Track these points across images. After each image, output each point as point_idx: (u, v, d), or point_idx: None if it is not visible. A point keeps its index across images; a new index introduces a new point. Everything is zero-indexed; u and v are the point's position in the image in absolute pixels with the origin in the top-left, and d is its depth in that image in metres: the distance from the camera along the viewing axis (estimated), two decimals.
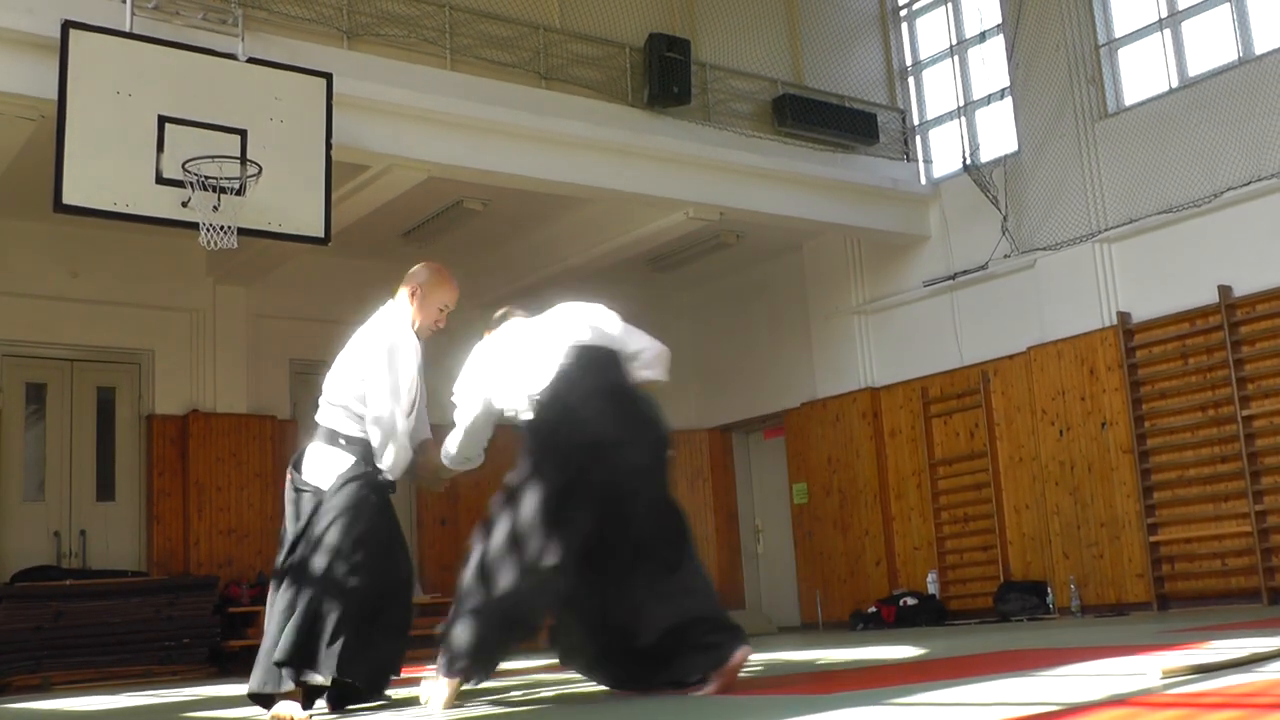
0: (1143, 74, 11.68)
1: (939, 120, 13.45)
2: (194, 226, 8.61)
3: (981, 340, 12.55)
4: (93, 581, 11.05)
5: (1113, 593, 11.27)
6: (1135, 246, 11.39)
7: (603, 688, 5.17)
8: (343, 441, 5.33)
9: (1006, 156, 12.40)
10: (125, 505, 12.25)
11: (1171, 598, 10.96)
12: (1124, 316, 11.39)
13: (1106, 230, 11.48)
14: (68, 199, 8.21)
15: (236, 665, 11.44)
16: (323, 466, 5.31)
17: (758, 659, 7.03)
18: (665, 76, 11.19)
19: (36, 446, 12.03)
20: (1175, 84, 11.36)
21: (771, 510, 15.02)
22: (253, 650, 11.58)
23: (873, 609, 12.60)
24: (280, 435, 12.86)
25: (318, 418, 5.50)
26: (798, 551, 14.21)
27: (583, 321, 5.22)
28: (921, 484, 13.01)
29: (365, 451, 5.28)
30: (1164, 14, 11.47)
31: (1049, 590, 11.70)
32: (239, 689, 7.83)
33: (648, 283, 14.96)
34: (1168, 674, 3.90)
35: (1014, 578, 12.11)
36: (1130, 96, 11.73)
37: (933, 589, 12.61)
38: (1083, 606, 11.37)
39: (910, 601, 12.40)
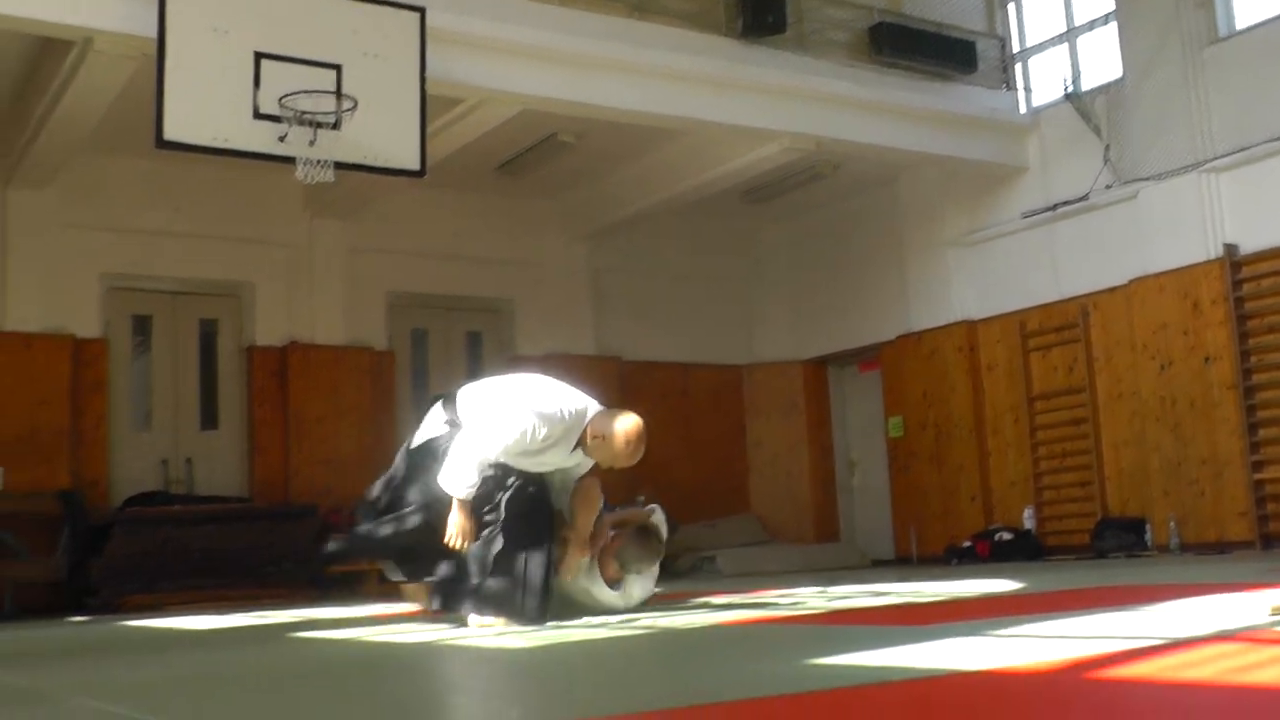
0: None
1: (1039, 47, 13.15)
2: (291, 161, 8.73)
3: (1081, 273, 12.34)
4: (199, 508, 11.33)
5: (1214, 531, 11.10)
6: (1243, 176, 11.09)
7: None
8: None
9: (1109, 84, 12.11)
10: (228, 434, 12.50)
11: (1275, 536, 10.75)
12: (1230, 249, 11.12)
13: (1213, 160, 11.19)
14: (169, 135, 8.35)
15: (337, 589, 11.69)
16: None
17: (854, 589, 7.03)
18: (760, 5, 11.05)
19: (143, 377, 12.31)
20: None
21: (866, 444, 14.96)
22: (352, 576, 11.81)
23: (967, 544, 12.53)
24: (377, 367, 13.04)
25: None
26: (893, 485, 14.15)
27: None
28: (1019, 419, 12.87)
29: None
30: None
31: (1147, 528, 11.55)
32: (339, 611, 8.01)
33: (741, 215, 14.90)
34: (1276, 611, 3.85)
35: (1111, 514, 11.97)
36: (1241, 20, 11.37)
37: (1029, 524, 12.51)
38: (1182, 545, 11.21)
39: (1005, 537, 12.31)
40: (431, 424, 5.96)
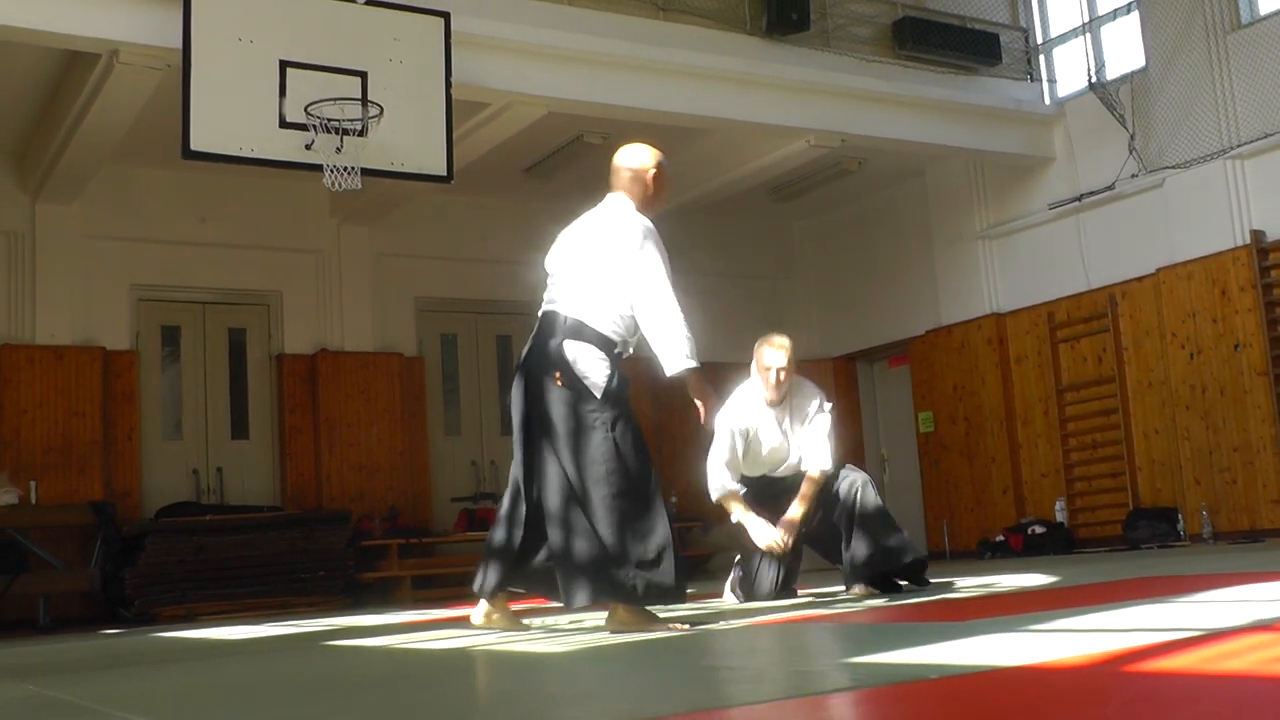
0: None
1: (1063, 38, 13.11)
2: (318, 169, 8.77)
3: (1109, 263, 12.29)
4: (231, 516, 11.39)
5: (1247, 519, 11.04)
6: (1269, 162, 11.03)
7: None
8: (596, 339, 5.07)
9: (1133, 73, 12.07)
10: (259, 442, 12.57)
11: None
12: (1258, 235, 11.07)
13: (1239, 146, 11.14)
14: (195, 145, 8.40)
15: (370, 596, 11.74)
16: (589, 363, 5.04)
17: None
18: (783, 3, 11.06)
19: (173, 387, 12.39)
20: None
21: (897, 439, 14.94)
22: (386, 581, 11.87)
23: (1000, 537, 12.51)
24: (407, 372, 13.09)
25: (559, 309, 5.17)
26: (924, 480, 14.13)
27: None
28: (1049, 410, 12.83)
29: (616, 350, 5.12)
30: None
31: (1180, 517, 11.51)
32: (373, 619, 8.04)
33: (768, 213, 14.89)
34: None
35: (1143, 505, 11.93)
36: (1265, 6, 11.31)
37: (1061, 517, 12.47)
38: (1215, 533, 11.16)
39: (1038, 529, 12.28)
40: None
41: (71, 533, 11.05)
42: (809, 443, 6.77)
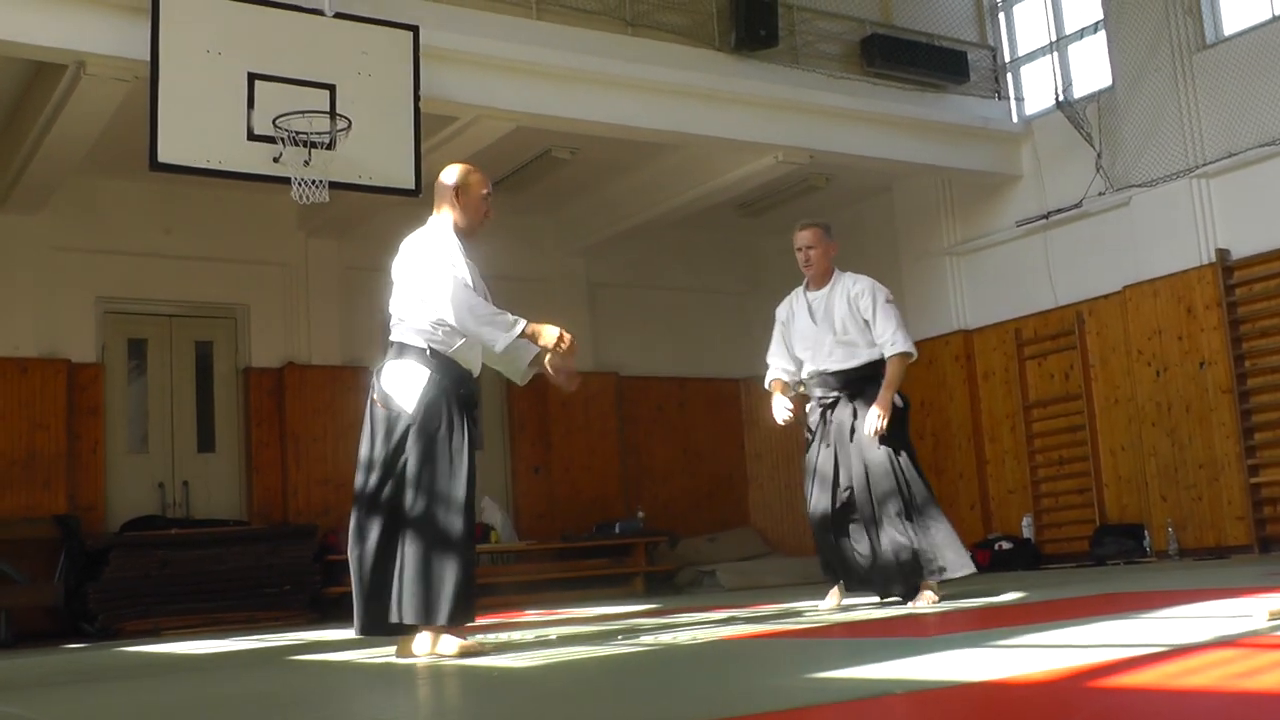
0: (1242, 2, 11.36)
1: (1030, 56, 13.18)
2: (286, 182, 8.72)
3: (1076, 280, 12.35)
4: (197, 531, 11.31)
5: (1212, 535, 11.10)
6: (1234, 181, 11.12)
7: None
8: (414, 354, 5.27)
9: (1100, 92, 12.14)
10: (225, 456, 12.49)
11: (1273, 540, 10.76)
12: (1222, 253, 11.15)
13: (1204, 165, 11.22)
14: (163, 158, 8.34)
15: (337, 611, 11.66)
16: (402, 382, 5.22)
17: (855, 602, 7.04)
18: (752, 19, 11.08)
19: (139, 400, 12.30)
20: (1278, 12, 11.03)
21: None
22: (352, 596, 11.79)
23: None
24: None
25: (392, 337, 5.48)
26: None
27: None
28: (1016, 427, 12.88)
29: (442, 364, 5.22)
30: None
31: (1146, 533, 11.56)
32: (339, 634, 7.99)
33: (736, 228, 14.91)
34: (1275, 616, 3.85)
35: (1110, 521, 11.98)
36: (1229, 26, 11.42)
37: (1027, 533, 12.50)
38: (1180, 550, 11.21)
39: (1005, 545, 12.30)
40: None
41: (34, 546, 10.92)
42: (881, 330, 6.87)
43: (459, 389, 5.19)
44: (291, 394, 12.53)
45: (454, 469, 5.00)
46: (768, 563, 13.88)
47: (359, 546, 4.99)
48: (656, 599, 11.23)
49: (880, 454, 6.61)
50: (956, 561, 6.51)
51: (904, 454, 6.73)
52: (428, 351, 5.22)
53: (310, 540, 11.57)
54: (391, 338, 5.43)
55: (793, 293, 7.29)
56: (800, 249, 7.09)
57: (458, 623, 4.92)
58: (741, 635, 5.29)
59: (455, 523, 4.93)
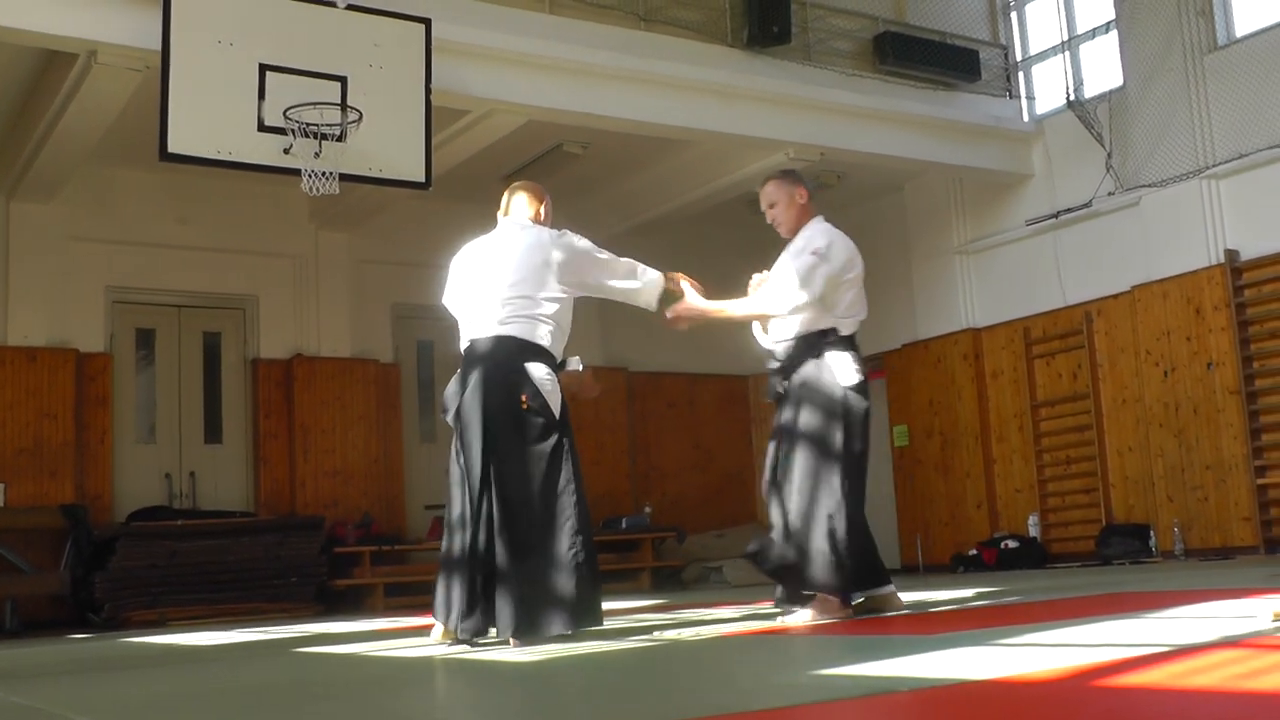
0: (1254, 4, 11.33)
1: (1042, 56, 13.17)
2: (296, 173, 8.73)
3: (1085, 280, 12.34)
4: (204, 521, 11.34)
5: (1218, 536, 11.09)
6: (1244, 183, 11.10)
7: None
8: (543, 355, 5.47)
9: (1111, 92, 12.13)
10: (233, 447, 12.51)
11: (1279, 541, 10.76)
12: (1231, 254, 11.13)
13: (1214, 166, 11.21)
14: (173, 148, 8.36)
15: (343, 603, 11.70)
16: (551, 382, 5.40)
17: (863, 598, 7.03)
18: (765, 16, 11.07)
19: (147, 391, 12.32)
20: None
21: (872, 452, 14.85)
22: (359, 589, 11.85)
23: (973, 552, 12.53)
24: (383, 378, 13.05)
25: (498, 331, 5.61)
26: (898, 494, 14.13)
27: None
28: (1023, 426, 12.87)
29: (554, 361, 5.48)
30: None
31: (1152, 534, 11.55)
32: (345, 626, 8.01)
33: (747, 225, 14.84)
34: (1279, 617, 3.85)
35: (1116, 521, 11.97)
36: (1241, 28, 11.39)
37: (1034, 532, 12.50)
38: (1186, 550, 11.20)
39: (1011, 544, 12.30)
40: None
41: (42, 536, 10.95)
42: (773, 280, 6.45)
43: None
44: (300, 385, 12.54)
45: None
46: None
47: None
48: (663, 594, 11.24)
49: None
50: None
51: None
52: (549, 351, 5.50)
53: (318, 532, 11.58)
54: (510, 332, 5.60)
55: None
56: (765, 209, 6.57)
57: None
58: (748, 632, 5.29)
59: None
